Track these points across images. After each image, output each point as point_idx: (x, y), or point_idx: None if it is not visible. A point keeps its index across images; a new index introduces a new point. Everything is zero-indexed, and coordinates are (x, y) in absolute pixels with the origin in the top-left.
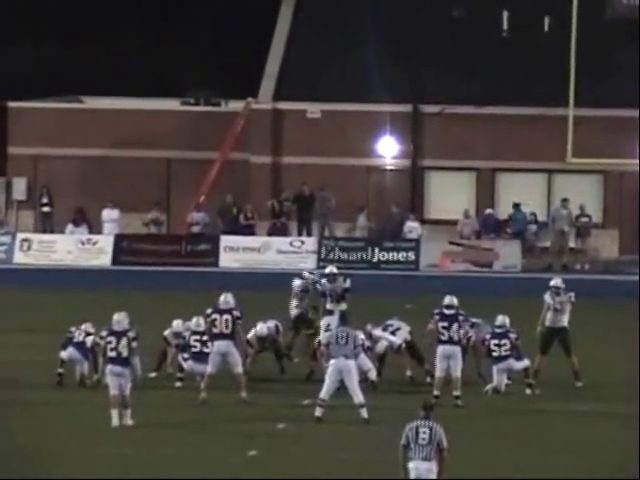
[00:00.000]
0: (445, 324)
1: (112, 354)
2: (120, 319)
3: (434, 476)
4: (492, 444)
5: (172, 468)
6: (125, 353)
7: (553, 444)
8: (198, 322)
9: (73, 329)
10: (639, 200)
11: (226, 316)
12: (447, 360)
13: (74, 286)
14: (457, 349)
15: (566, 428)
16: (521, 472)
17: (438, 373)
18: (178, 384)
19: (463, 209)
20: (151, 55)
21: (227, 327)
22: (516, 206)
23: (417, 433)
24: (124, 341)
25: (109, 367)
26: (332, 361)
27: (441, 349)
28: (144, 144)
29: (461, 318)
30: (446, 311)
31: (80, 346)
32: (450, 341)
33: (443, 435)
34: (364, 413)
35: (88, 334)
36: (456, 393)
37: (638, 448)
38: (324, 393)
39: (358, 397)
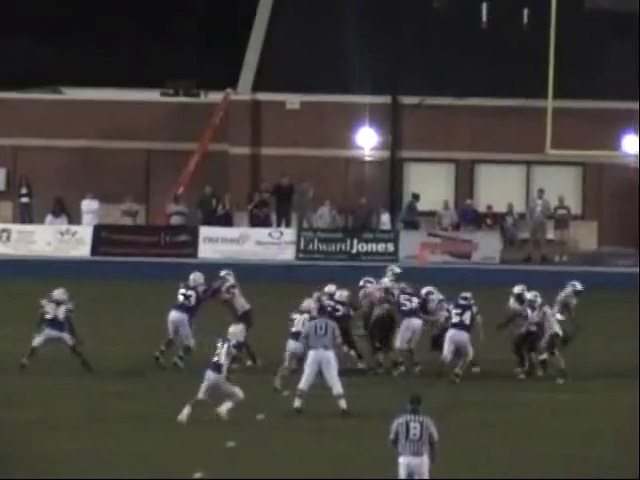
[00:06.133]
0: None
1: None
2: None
3: (426, 470)
4: (480, 435)
5: (151, 460)
6: (222, 360)
7: (539, 435)
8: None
9: (44, 302)
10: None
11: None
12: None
13: (53, 277)
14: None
15: (551, 419)
16: (511, 465)
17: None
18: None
19: (442, 200)
20: (130, 46)
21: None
22: (415, 197)
23: (407, 428)
24: (225, 348)
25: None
26: (311, 352)
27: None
28: (124, 135)
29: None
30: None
31: (54, 323)
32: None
33: (433, 428)
34: (343, 404)
35: (59, 303)
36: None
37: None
38: (303, 384)
39: (337, 388)
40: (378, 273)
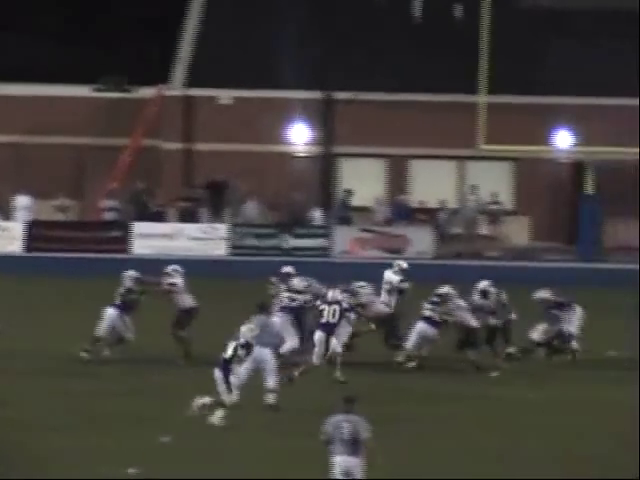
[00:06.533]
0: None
1: None
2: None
3: (360, 470)
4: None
5: (88, 459)
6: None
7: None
8: None
9: None
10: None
11: None
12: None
13: None
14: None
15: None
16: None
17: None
18: None
19: (375, 196)
20: (63, 41)
21: None
22: (347, 192)
23: (339, 428)
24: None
25: None
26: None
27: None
28: (57, 131)
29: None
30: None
31: None
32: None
33: (365, 428)
34: (271, 399)
35: None
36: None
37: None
38: (238, 380)
39: (270, 383)
40: (311, 269)
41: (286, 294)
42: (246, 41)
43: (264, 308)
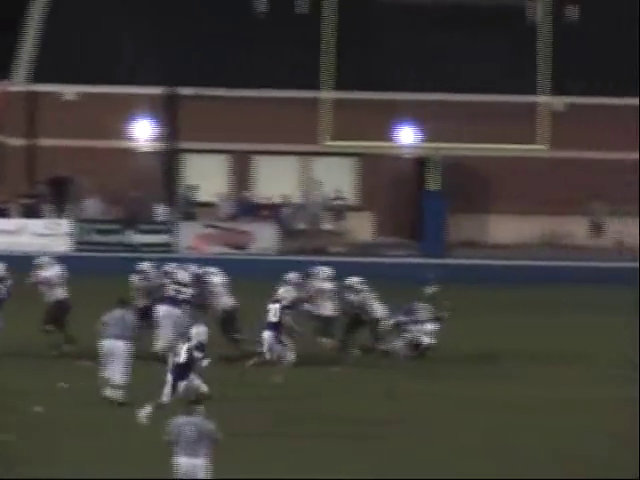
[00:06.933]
0: None
1: None
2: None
3: (203, 472)
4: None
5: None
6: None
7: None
8: None
9: None
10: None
11: None
12: None
13: None
14: None
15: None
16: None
17: None
18: None
19: (220, 191)
20: None
21: None
22: (191, 188)
23: (184, 430)
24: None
25: None
26: (105, 341)
27: None
28: None
29: None
30: None
31: None
32: None
33: (212, 430)
34: (111, 393)
35: None
36: None
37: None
38: (107, 374)
39: (116, 377)
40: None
41: (173, 286)
42: (90, 37)
43: (123, 302)
